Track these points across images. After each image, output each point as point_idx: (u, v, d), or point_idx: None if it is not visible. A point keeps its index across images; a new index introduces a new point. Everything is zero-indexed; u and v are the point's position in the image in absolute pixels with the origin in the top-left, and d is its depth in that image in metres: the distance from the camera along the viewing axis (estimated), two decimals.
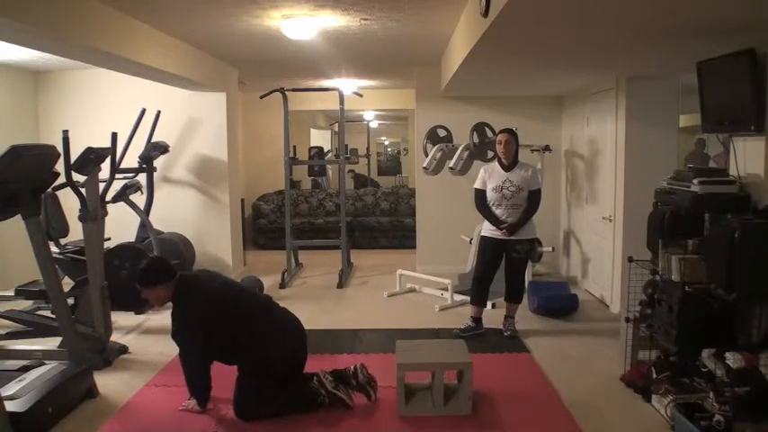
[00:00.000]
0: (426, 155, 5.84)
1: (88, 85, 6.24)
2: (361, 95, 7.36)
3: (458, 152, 5.43)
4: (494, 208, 4.36)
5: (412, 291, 5.93)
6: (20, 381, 3.11)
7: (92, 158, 3.96)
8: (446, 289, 5.47)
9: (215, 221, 6.31)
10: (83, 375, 3.39)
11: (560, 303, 5.05)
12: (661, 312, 3.25)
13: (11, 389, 3.00)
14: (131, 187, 5.34)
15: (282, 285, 6.18)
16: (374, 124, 14.19)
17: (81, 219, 3.95)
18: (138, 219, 5.48)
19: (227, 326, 3.12)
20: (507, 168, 4.36)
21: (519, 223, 4.30)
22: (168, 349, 4.19)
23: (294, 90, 6.59)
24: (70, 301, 4.08)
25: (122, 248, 5.02)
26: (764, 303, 2.81)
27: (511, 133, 4.37)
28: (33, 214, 3.33)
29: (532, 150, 6.00)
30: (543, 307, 5.02)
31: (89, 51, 3.89)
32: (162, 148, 5.73)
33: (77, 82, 6.26)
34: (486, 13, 3.01)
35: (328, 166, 11.38)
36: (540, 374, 3.79)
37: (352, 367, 3.37)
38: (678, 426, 2.86)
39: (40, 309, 4.76)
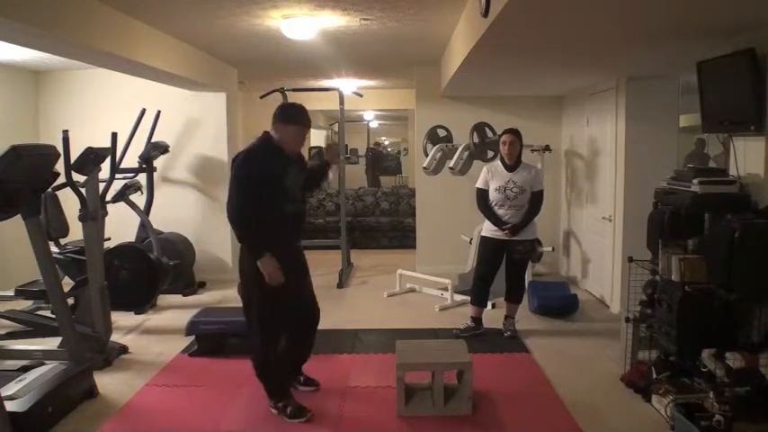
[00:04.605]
0: (426, 155, 5.84)
1: (88, 85, 6.23)
2: (361, 95, 7.36)
3: (458, 152, 5.43)
4: (496, 208, 4.35)
5: (412, 291, 5.93)
6: (20, 381, 3.11)
7: (92, 158, 3.96)
8: (446, 289, 5.47)
9: (215, 221, 6.29)
10: (83, 375, 3.38)
11: (560, 303, 5.05)
12: (661, 312, 3.25)
13: (11, 389, 3.00)
14: (131, 187, 5.34)
15: None
16: (374, 124, 14.20)
17: (81, 219, 3.95)
18: (138, 219, 5.48)
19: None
20: (510, 169, 4.35)
21: (522, 224, 4.30)
22: (168, 349, 4.20)
23: (294, 90, 6.60)
24: (70, 301, 4.07)
25: (122, 248, 5.01)
26: (764, 303, 2.81)
27: (515, 134, 4.35)
28: (33, 214, 3.32)
29: (532, 150, 5.99)
30: (543, 307, 5.02)
31: (89, 51, 3.89)
32: (162, 148, 5.73)
33: (77, 82, 6.25)
34: (486, 14, 3.01)
35: None
36: (540, 374, 3.79)
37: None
38: (678, 426, 2.86)
39: (40, 309, 4.76)
